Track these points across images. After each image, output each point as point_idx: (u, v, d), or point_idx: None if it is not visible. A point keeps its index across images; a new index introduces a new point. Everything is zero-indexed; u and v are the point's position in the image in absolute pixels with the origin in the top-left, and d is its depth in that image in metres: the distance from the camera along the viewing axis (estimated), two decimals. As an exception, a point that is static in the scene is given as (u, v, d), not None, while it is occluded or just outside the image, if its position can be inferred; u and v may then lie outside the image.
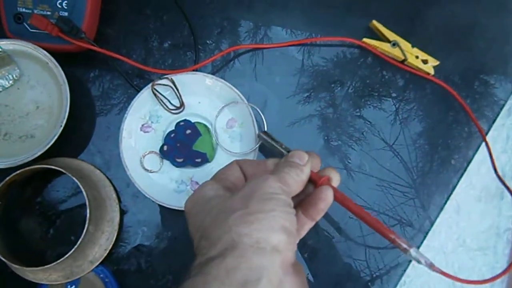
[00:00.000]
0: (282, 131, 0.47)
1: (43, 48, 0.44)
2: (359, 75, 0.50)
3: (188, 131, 0.45)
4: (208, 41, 0.50)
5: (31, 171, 0.43)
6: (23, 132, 0.45)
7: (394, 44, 0.49)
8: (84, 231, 0.41)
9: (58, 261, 0.40)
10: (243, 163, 0.35)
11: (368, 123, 0.49)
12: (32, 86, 0.45)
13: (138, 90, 0.46)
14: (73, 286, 0.44)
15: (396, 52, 0.49)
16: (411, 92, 0.50)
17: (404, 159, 0.48)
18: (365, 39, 0.49)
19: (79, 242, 0.41)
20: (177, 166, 0.46)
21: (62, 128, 0.42)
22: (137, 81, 0.48)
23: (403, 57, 0.49)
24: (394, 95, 0.50)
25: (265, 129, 0.44)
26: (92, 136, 0.47)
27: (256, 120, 0.45)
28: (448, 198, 0.49)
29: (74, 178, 0.41)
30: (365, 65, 0.50)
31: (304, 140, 0.48)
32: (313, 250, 0.47)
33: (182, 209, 0.43)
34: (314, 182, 0.34)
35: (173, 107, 0.46)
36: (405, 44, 0.49)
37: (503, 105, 0.51)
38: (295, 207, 0.30)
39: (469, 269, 0.48)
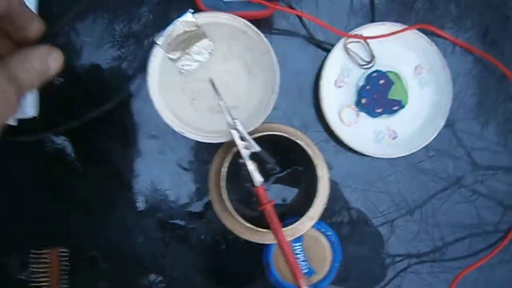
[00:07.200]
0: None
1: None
2: None
3: (382, 81, 0.47)
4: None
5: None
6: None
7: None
8: (320, 191, 0.43)
9: (300, 221, 0.43)
10: None
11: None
12: (227, 57, 0.45)
13: (322, 48, 0.47)
14: (298, 243, 0.46)
15: None
16: None
17: None
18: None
19: (316, 202, 0.43)
20: (374, 117, 0.47)
21: (276, 95, 0.43)
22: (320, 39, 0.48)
23: None
24: None
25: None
26: (286, 100, 0.48)
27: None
28: None
29: (306, 147, 0.42)
30: None
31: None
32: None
33: (385, 157, 0.46)
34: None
35: (364, 62, 0.47)
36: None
37: None
38: None
39: None
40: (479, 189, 0.50)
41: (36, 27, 0.30)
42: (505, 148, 0.50)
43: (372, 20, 0.48)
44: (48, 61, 0.28)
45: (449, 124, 0.48)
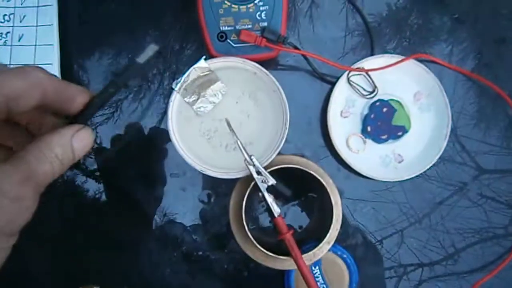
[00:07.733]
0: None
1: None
2: None
3: (385, 109, 0.50)
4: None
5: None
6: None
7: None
8: (334, 217, 0.46)
9: (318, 247, 0.45)
10: (53, 81, 0.25)
11: None
12: (239, 97, 0.49)
13: (327, 81, 0.50)
14: (317, 267, 0.49)
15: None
16: None
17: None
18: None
19: (331, 227, 0.45)
20: (380, 143, 0.50)
21: (287, 130, 0.46)
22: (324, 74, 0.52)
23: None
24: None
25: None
26: (296, 133, 0.51)
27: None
28: None
29: (318, 177, 0.45)
30: None
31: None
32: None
33: (393, 180, 0.49)
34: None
35: (367, 92, 0.50)
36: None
37: None
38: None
39: None
40: (486, 192, 0.52)
41: (80, 101, 0.27)
42: (510, 151, 0.52)
43: (371, 42, 0.52)
44: (73, 144, 0.25)
45: (452, 131, 0.50)
